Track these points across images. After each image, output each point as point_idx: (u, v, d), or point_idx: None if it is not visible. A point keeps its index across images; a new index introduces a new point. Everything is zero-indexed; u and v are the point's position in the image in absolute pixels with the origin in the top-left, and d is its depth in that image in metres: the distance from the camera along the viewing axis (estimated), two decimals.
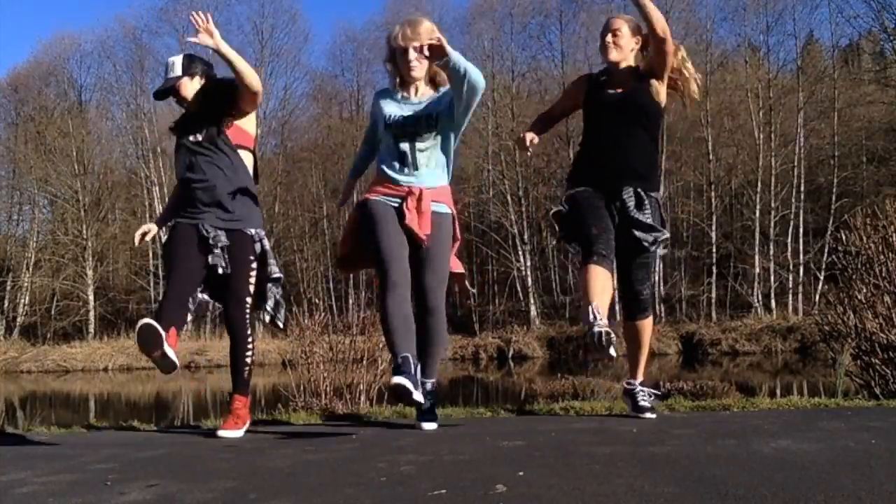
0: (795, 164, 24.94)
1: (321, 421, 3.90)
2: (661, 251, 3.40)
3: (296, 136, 32.45)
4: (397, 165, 3.12)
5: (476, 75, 2.96)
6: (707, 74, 26.78)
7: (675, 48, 3.27)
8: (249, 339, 3.32)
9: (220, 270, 3.25)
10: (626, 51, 3.31)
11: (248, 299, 3.32)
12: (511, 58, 28.90)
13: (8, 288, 28.50)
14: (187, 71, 3.40)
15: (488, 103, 27.74)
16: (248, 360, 3.32)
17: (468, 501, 1.84)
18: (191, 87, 3.40)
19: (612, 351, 2.74)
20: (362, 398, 5.47)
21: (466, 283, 3.34)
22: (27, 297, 28.97)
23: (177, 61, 3.43)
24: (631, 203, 3.18)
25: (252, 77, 3.20)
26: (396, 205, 3.09)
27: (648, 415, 3.33)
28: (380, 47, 29.85)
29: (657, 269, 24.76)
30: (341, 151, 29.42)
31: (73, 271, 28.60)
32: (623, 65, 3.33)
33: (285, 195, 29.58)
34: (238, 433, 3.25)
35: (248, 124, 3.53)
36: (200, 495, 2.03)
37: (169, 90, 3.41)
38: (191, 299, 3.23)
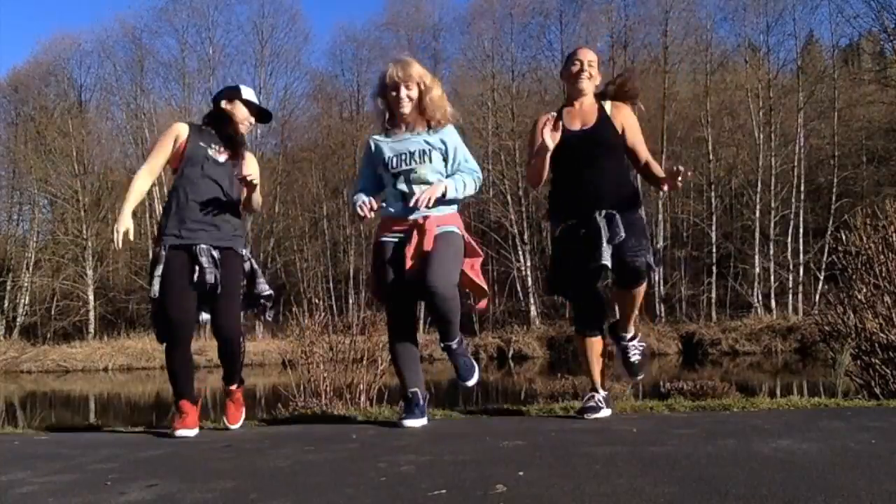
0: (795, 164, 24.95)
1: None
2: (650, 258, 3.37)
3: (296, 136, 32.47)
4: (400, 205, 3.23)
5: (472, 188, 3.28)
6: (707, 74, 26.84)
7: None
8: (243, 345, 3.51)
9: (217, 289, 3.33)
10: (595, 81, 3.37)
11: (241, 312, 3.48)
12: (511, 58, 28.96)
13: (8, 288, 28.50)
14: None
15: (488, 103, 27.77)
16: (241, 360, 3.56)
17: (468, 501, 1.84)
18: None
19: (604, 412, 3.35)
20: (362, 398, 5.47)
21: (483, 302, 3.36)
22: (27, 297, 28.97)
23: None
24: (601, 224, 3.19)
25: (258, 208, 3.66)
26: (398, 240, 3.21)
27: (641, 376, 3.38)
28: (380, 47, 30.03)
29: (658, 268, 24.75)
30: (341, 151, 29.43)
31: (73, 271, 28.60)
32: (589, 96, 3.37)
33: (285, 195, 29.58)
34: (240, 421, 3.63)
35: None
36: (200, 495, 2.03)
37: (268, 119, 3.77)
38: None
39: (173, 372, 3.40)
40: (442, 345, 3.27)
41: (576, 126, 3.31)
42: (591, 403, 3.34)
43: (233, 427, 3.59)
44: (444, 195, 3.15)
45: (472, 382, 3.26)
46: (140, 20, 33.37)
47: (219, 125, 3.52)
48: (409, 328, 3.30)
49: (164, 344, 3.38)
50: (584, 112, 3.34)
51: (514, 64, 29.03)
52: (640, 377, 3.44)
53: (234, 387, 3.63)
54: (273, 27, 31.08)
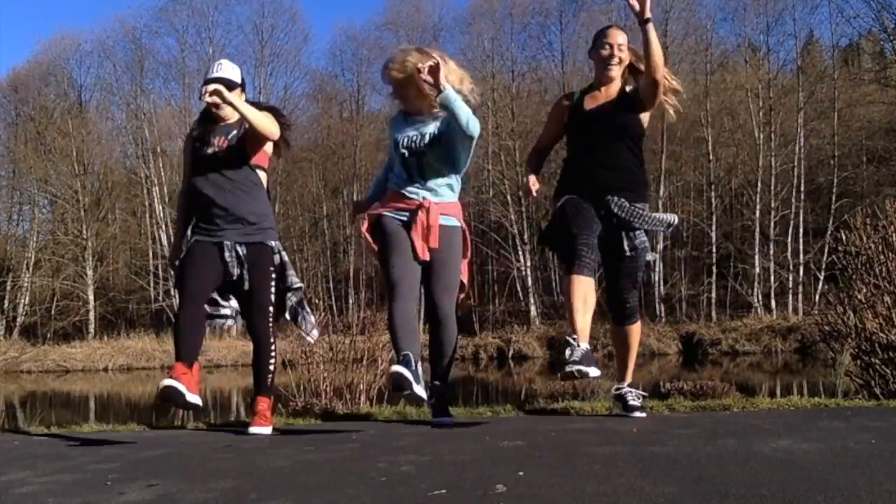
0: (795, 164, 24.95)
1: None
2: (648, 256, 3.37)
3: (296, 136, 32.31)
4: (407, 180, 3.27)
5: (466, 117, 3.06)
6: (707, 74, 26.84)
7: (665, 77, 3.22)
8: (272, 347, 3.43)
9: (246, 286, 3.36)
10: (623, 66, 3.29)
11: (271, 308, 3.42)
12: (511, 58, 28.96)
13: (8, 288, 28.49)
14: (241, 85, 3.46)
15: (488, 103, 27.74)
16: (271, 366, 3.44)
17: (468, 501, 1.84)
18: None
19: (592, 372, 2.81)
20: (362, 398, 5.47)
21: (465, 294, 3.41)
22: (27, 297, 28.96)
23: (233, 68, 3.45)
24: (615, 209, 3.19)
25: (265, 126, 3.29)
26: (405, 218, 3.23)
27: (639, 413, 3.38)
28: (380, 47, 29.97)
29: (657, 268, 24.77)
30: (341, 151, 29.44)
31: (73, 271, 28.60)
32: (616, 81, 3.30)
33: (285, 195, 29.58)
34: (267, 430, 3.37)
35: (266, 145, 3.54)
36: (200, 495, 2.03)
37: (231, 85, 3.36)
38: (206, 319, 3.38)
39: (178, 330, 3.25)
40: (431, 383, 3.29)
41: (595, 106, 3.28)
42: (573, 355, 2.79)
43: (251, 430, 3.34)
44: (447, 93, 3.01)
45: (441, 421, 3.30)
46: (140, 20, 33.41)
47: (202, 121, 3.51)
48: (409, 300, 3.12)
49: (179, 305, 3.36)
50: (609, 97, 3.30)
51: (514, 64, 29.05)
52: (643, 415, 3.38)
53: (259, 397, 3.42)
54: (273, 27, 31.11)
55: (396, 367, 2.84)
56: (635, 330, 3.41)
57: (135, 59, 30.51)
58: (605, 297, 3.35)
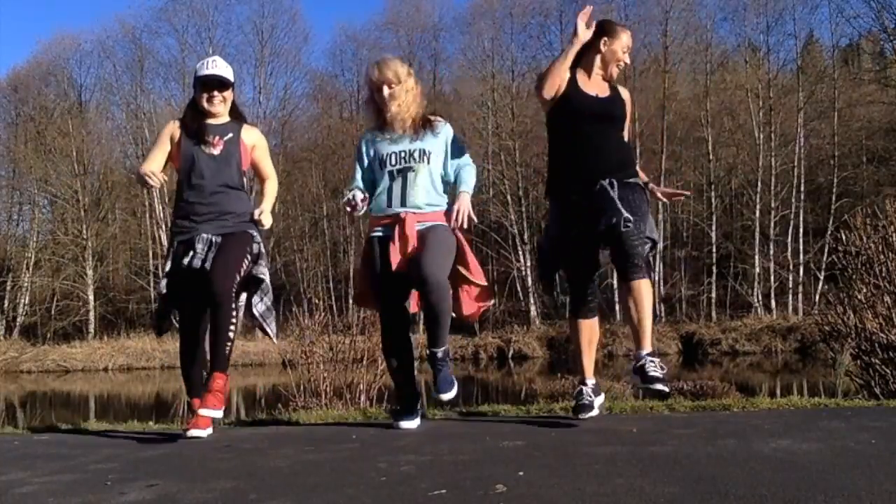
0: (795, 164, 24.97)
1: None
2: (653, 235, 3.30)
3: (296, 136, 32.48)
4: (390, 200, 3.23)
5: (474, 182, 3.33)
6: (707, 74, 26.86)
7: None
8: (233, 311, 3.20)
9: (208, 265, 3.19)
10: None
11: (237, 276, 3.21)
12: (511, 58, 28.98)
13: (8, 288, 28.49)
14: (232, 85, 3.44)
15: (488, 103, 27.78)
16: (231, 332, 3.17)
17: (468, 501, 1.84)
18: (229, 99, 3.44)
19: (598, 402, 3.33)
20: (362, 398, 5.48)
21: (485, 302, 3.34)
22: (27, 297, 28.97)
23: (227, 66, 3.44)
24: (604, 191, 3.13)
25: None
26: (383, 234, 3.22)
27: (661, 386, 3.01)
28: (380, 47, 30.04)
29: (657, 268, 24.75)
30: (341, 151, 29.41)
31: (73, 271, 28.60)
32: None
33: (285, 195, 29.54)
34: (219, 413, 3.17)
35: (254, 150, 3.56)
36: (200, 495, 2.03)
37: (226, 84, 3.38)
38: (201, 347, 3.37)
39: (185, 370, 3.35)
40: (427, 351, 3.23)
41: (592, 92, 3.29)
42: (583, 401, 3.22)
43: (203, 412, 3.11)
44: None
45: (447, 397, 3.18)
46: (140, 20, 33.40)
47: (188, 123, 3.43)
48: (400, 325, 3.27)
49: (179, 341, 3.36)
50: (597, 82, 3.33)
51: (514, 64, 29.07)
52: (665, 389, 3.08)
53: (216, 372, 3.15)
54: (273, 27, 31.11)
55: (404, 424, 3.17)
56: (646, 286, 3.05)
57: (135, 59, 30.57)
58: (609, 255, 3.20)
